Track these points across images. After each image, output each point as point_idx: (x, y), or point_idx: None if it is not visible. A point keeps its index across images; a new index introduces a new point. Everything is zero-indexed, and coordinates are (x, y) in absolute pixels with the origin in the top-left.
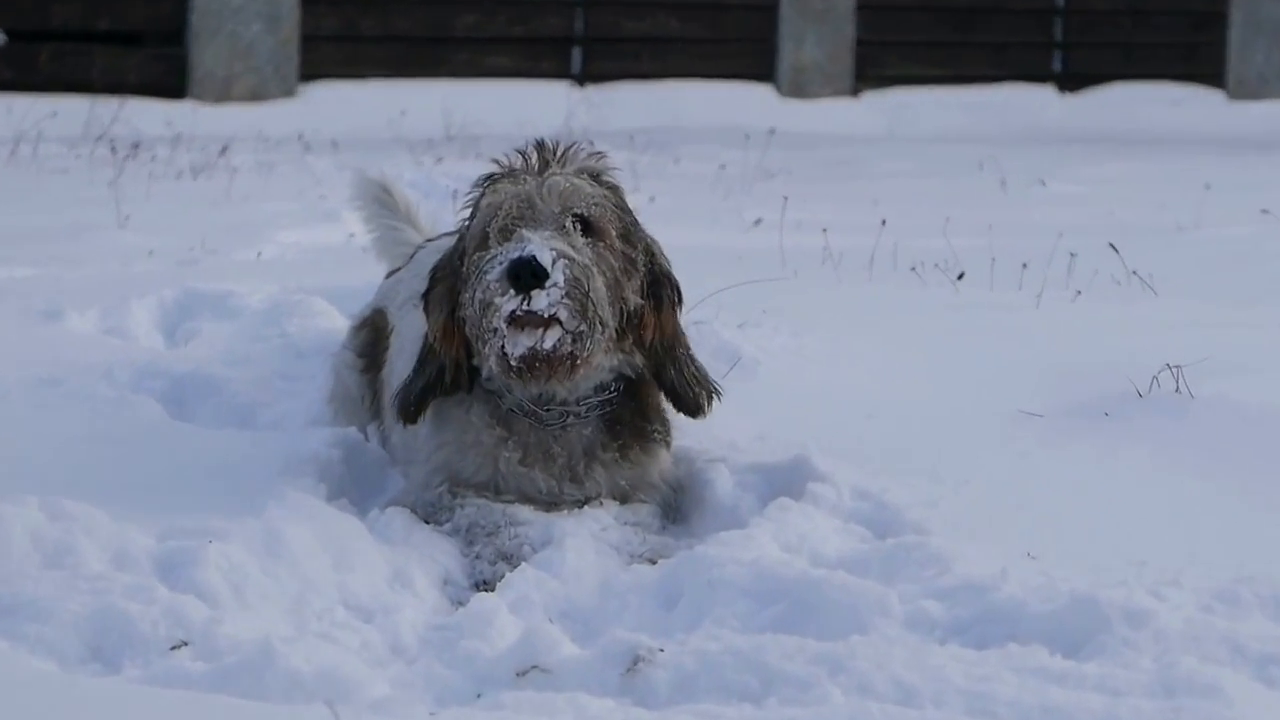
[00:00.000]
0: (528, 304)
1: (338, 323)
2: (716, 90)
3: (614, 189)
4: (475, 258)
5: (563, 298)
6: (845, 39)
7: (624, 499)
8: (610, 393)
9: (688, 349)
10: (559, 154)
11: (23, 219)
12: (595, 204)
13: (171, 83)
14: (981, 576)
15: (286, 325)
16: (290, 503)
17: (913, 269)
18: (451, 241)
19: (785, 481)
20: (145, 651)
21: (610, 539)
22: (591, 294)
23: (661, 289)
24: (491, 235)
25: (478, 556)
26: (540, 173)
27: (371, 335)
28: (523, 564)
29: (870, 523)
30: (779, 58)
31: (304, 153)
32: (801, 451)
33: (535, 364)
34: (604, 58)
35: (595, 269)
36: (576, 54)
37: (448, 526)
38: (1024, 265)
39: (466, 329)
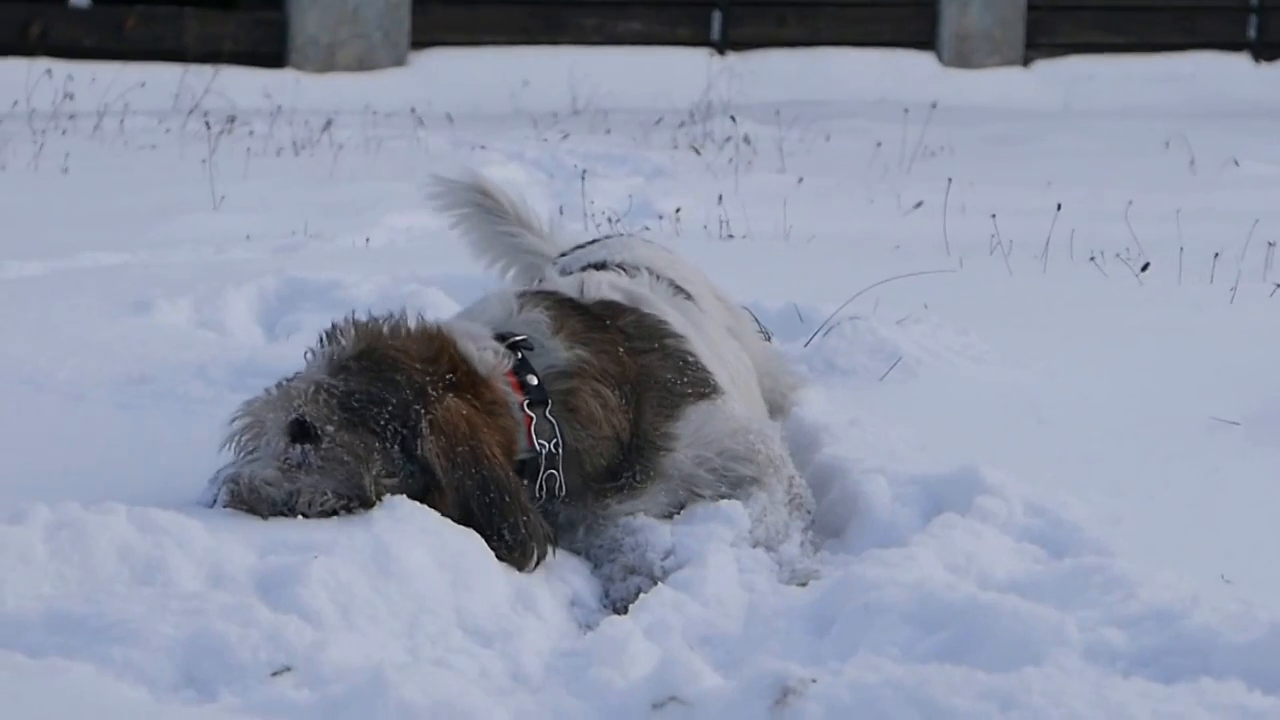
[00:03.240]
0: None
1: None
2: (871, 59)
3: (367, 377)
4: None
5: None
6: (1016, 2)
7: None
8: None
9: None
10: (350, 333)
11: (108, 200)
12: (308, 405)
13: (270, 50)
14: (1170, 602)
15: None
16: (402, 514)
17: (1091, 259)
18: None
19: (950, 495)
20: (244, 678)
21: (756, 557)
22: (263, 510)
23: None
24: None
25: (609, 577)
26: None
27: None
28: (659, 584)
29: (1045, 541)
30: (941, 23)
31: (416, 127)
32: (968, 462)
33: None
34: (747, 22)
35: (281, 484)
36: (716, 18)
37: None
38: (1216, 255)
39: None
